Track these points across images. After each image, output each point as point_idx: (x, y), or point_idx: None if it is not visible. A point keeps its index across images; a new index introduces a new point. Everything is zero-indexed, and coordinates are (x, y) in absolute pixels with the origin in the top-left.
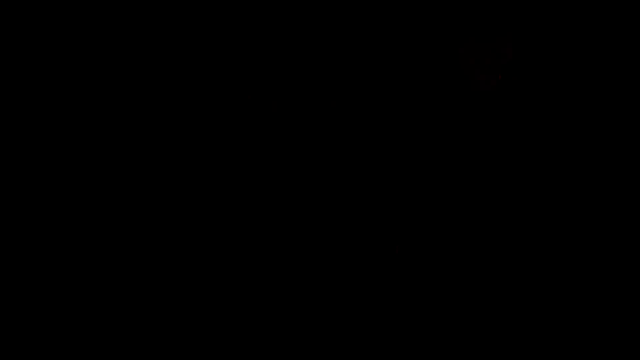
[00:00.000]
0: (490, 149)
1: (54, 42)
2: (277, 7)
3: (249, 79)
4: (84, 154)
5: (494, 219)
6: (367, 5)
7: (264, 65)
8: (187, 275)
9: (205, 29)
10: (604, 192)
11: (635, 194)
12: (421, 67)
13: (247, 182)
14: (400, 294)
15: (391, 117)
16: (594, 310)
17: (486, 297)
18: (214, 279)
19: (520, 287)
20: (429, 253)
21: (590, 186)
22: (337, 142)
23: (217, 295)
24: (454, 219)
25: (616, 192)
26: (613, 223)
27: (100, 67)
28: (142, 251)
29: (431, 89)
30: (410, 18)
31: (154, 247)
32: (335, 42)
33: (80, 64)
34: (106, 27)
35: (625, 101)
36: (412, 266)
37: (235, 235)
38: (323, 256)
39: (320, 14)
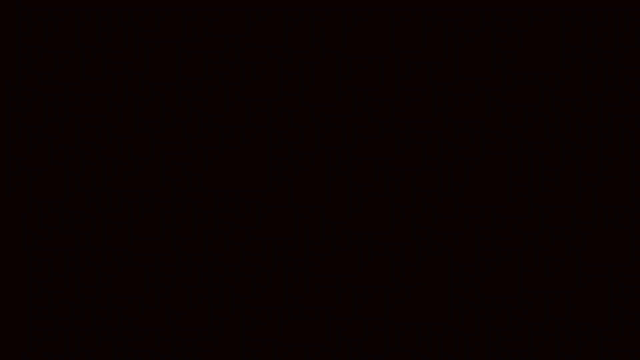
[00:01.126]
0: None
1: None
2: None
3: (248, 79)
4: (84, 154)
5: (494, 218)
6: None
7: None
8: (187, 275)
9: (205, 29)
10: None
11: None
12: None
13: (247, 182)
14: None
15: (390, 117)
16: (594, 310)
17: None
18: (214, 279)
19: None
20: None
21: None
22: (336, 142)
23: (216, 295)
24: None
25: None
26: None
27: (100, 67)
28: (142, 251)
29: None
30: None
31: (154, 247)
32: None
33: (80, 64)
34: (106, 27)
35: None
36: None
37: (234, 235)
38: (323, 256)
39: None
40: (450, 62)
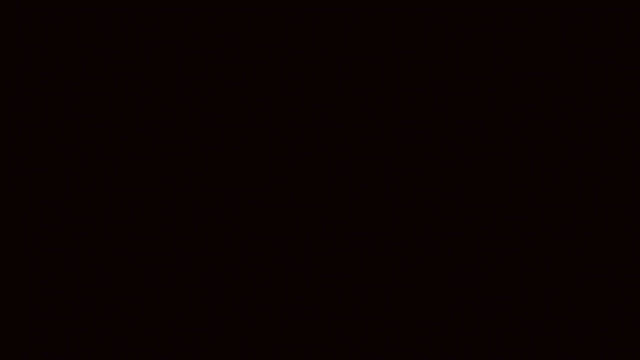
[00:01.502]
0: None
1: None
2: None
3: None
4: (84, 154)
5: (493, 218)
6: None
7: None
8: (187, 275)
9: (205, 29)
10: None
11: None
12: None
13: (247, 182)
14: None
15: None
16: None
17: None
18: (214, 279)
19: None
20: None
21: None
22: (336, 142)
23: (216, 295)
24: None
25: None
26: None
27: (100, 67)
28: (142, 251)
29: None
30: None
31: (154, 247)
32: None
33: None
34: (106, 27)
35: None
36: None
37: (234, 235)
38: (323, 256)
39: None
40: (450, 62)
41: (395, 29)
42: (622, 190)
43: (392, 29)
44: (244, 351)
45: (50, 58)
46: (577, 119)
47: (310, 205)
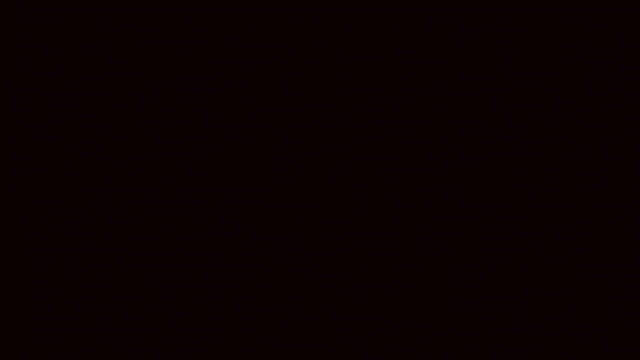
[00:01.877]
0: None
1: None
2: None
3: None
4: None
5: (494, 218)
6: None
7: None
8: (187, 275)
9: (205, 29)
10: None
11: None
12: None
13: (247, 182)
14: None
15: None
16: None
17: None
18: (214, 279)
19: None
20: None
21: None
22: (336, 142)
23: (216, 295)
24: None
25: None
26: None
27: (100, 67)
28: (142, 251)
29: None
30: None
31: (154, 247)
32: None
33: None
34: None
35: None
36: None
37: (234, 235)
38: (323, 256)
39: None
40: (450, 62)
41: (395, 29)
42: (622, 190)
43: (392, 29)
44: (244, 351)
45: (50, 58)
46: (577, 119)
47: (310, 205)
